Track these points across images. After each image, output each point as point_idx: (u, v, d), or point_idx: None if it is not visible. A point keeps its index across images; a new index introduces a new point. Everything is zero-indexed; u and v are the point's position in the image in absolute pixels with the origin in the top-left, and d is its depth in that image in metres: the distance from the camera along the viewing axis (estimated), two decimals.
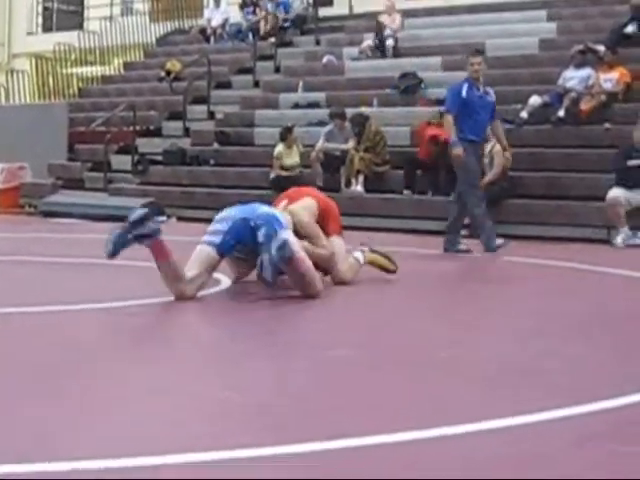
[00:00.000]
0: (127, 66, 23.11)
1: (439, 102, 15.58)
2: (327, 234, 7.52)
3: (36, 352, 4.78)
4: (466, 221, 10.86)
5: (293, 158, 15.02)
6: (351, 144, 14.50)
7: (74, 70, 25.13)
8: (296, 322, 6.19)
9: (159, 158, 17.46)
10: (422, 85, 16.48)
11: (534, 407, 3.68)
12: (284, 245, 6.35)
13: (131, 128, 18.13)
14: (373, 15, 19.16)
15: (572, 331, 5.82)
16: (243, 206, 6.96)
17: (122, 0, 28.09)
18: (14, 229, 13.92)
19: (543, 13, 17.87)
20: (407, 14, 19.29)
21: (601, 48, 14.75)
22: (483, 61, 10.87)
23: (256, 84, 19.31)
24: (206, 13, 23.40)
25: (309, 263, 6.66)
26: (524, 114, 14.18)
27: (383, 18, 18.51)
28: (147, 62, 22.66)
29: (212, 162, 16.89)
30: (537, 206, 12.85)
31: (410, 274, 8.01)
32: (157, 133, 18.76)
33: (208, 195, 15.49)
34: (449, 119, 10.53)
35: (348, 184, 14.43)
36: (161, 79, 20.39)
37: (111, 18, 25.85)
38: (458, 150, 10.31)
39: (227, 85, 19.73)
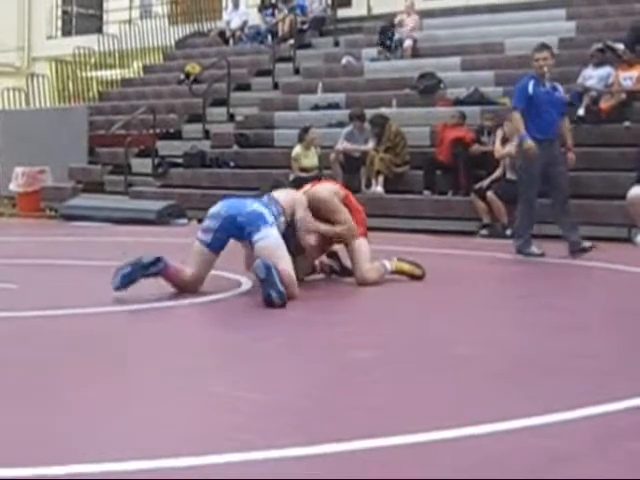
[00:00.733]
0: (147, 69, 23.16)
1: (458, 102, 15.61)
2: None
3: (54, 355, 4.82)
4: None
5: (311, 160, 15.00)
6: (371, 145, 14.50)
7: (94, 74, 25.21)
8: (317, 323, 6.20)
9: (179, 161, 17.48)
10: (441, 85, 16.44)
11: (555, 406, 3.69)
12: (262, 269, 6.39)
13: (151, 131, 18.18)
14: (392, 16, 19.15)
15: (594, 330, 5.82)
16: (232, 202, 7.12)
17: (141, 3, 28.16)
18: (35, 232, 13.98)
19: (562, 12, 17.81)
20: (426, 14, 19.28)
21: (620, 47, 14.68)
22: (550, 56, 10.27)
23: (275, 86, 19.31)
24: (225, 15, 23.41)
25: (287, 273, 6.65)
26: None
27: (402, 18, 18.52)
28: (167, 65, 22.70)
29: (232, 164, 16.90)
30: None
31: (431, 274, 8.00)
32: (177, 136, 18.78)
33: (228, 197, 15.48)
34: (516, 115, 10.07)
35: (368, 185, 14.43)
36: (181, 82, 20.42)
37: (130, 21, 25.92)
38: (529, 143, 9.81)
39: (246, 87, 19.74)
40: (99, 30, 27.46)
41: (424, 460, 3.09)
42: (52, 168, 18.03)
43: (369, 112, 15.12)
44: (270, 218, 6.86)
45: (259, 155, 16.73)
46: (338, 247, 7.89)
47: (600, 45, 14.60)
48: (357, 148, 14.67)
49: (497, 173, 13.18)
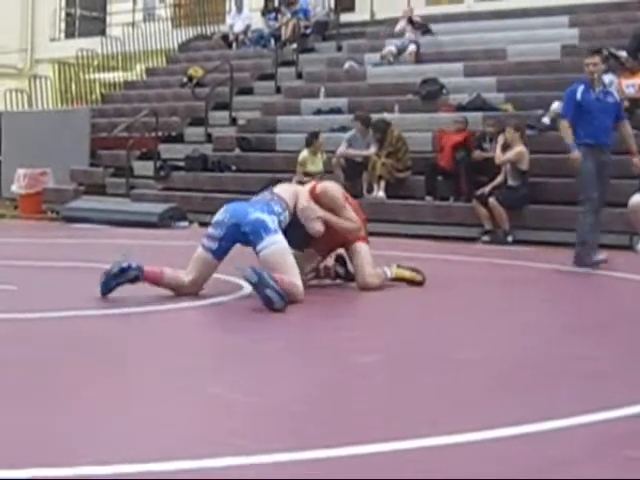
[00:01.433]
0: (149, 72, 23.17)
1: (460, 108, 15.62)
2: (353, 240, 7.59)
3: (54, 356, 4.82)
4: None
5: (317, 165, 15.00)
6: (373, 150, 14.50)
7: (96, 76, 25.23)
8: (317, 326, 6.20)
9: (181, 164, 17.49)
10: (444, 91, 16.46)
11: (553, 413, 3.69)
12: (252, 275, 6.39)
13: (153, 134, 18.17)
14: (394, 21, 19.16)
15: (594, 336, 5.82)
16: (234, 208, 7.11)
17: (145, 6, 28.20)
18: (36, 234, 13.98)
19: (565, 19, 17.84)
20: (429, 20, 19.30)
21: (623, 54, 14.70)
22: (600, 61, 10.03)
23: (278, 90, 19.33)
24: (228, 19, 23.46)
25: (286, 281, 6.62)
26: (546, 120, 14.13)
27: (403, 24, 18.56)
28: (169, 68, 22.73)
29: (234, 168, 16.90)
30: (558, 212, 12.79)
31: (432, 279, 8.00)
32: (179, 139, 18.79)
33: (230, 201, 15.47)
34: (564, 124, 9.88)
35: (370, 190, 14.42)
36: (183, 85, 20.44)
37: (133, 24, 25.95)
38: (575, 154, 9.68)
39: (249, 91, 19.76)
40: (102, 32, 27.50)
41: (424, 466, 3.09)
42: (54, 170, 18.04)
43: (371, 117, 15.12)
44: (273, 225, 6.83)
45: (261, 159, 16.74)
46: (341, 251, 7.88)
47: (604, 52, 14.60)
48: (359, 153, 14.67)
49: (499, 179, 13.18)
